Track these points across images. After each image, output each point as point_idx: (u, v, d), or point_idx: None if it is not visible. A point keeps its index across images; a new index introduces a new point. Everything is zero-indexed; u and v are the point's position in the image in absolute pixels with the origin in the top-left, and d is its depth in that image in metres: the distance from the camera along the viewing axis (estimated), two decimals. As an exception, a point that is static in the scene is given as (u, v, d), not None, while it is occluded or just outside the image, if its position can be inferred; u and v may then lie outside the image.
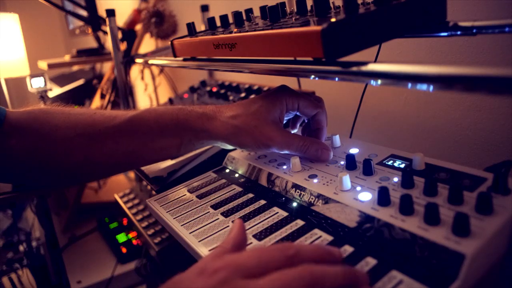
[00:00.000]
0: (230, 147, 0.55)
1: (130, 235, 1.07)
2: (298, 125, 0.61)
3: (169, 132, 0.53)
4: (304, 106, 0.53)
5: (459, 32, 0.43)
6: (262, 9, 0.51)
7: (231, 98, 0.87)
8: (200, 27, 1.14)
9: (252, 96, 0.82)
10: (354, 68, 0.34)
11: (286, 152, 0.53)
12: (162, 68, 1.53)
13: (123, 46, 1.26)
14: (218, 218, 0.46)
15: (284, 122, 0.56)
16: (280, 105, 0.52)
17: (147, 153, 0.55)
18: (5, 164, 0.52)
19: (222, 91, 0.91)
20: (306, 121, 0.59)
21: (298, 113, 0.55)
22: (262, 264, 0.30)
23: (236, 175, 0.57)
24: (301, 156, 0.52)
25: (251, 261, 0.30)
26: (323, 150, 0.51)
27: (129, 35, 1.29)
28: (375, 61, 0.33)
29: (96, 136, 0.53)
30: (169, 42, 0.65)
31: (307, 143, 0.51)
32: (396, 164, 0.46)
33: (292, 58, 0.43)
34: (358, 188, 0.42)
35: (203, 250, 0.40)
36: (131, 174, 1.33)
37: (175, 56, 0.65)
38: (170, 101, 1.00)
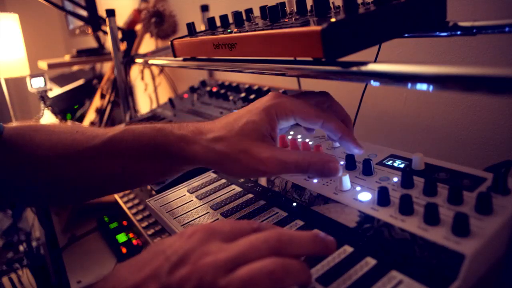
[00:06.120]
0: None
1: (130, 235, 1.07)
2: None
3: (147, 155, 0.48)
4: (301, 117, 0.43)
5: (459, 32, 0.43)
6: (262, 9, 0.51)
7: (231, 98, 0.87)
8: (200, 27, 1.14)
9: (252, 96, 0.82)
10: (354, 68, 0.34)
11: (286, 174, 0.45)
12: (162, 68, 1.53)
13: (123, 46, 1.27)
14: (217, 219, 0.46)
15: (285, 131, 0.50)
16: (269, 119, 0.43)
17: (127, 177, 0.50)
18: None
19: (222, 91, 0.91)
20: None
21: None
22: (234, 231, 0.33)
23: (236, 175, 0.57)
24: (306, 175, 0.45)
25: (225, 228, 0.33)
26: (329, 163, 0.41)
27: (129, 35, 1.29)
28: (375, 61, 0.33)
29: (75, 157, 0.49)
30: (169, 42, 0.65)
31: (307, 158, 0.41)
32: (395, 164, 0.46)
33: (292, 58, 0.43)
34: (358, 188, 0.42)
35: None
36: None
37: (175, 56, 0.65)
38: (170, 101, 1.00)
